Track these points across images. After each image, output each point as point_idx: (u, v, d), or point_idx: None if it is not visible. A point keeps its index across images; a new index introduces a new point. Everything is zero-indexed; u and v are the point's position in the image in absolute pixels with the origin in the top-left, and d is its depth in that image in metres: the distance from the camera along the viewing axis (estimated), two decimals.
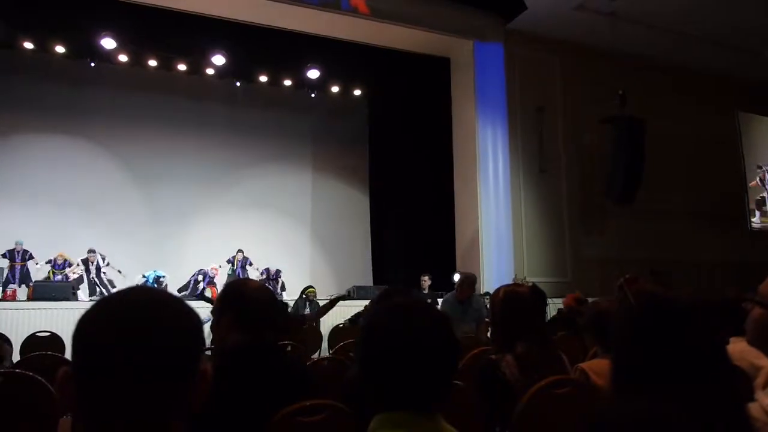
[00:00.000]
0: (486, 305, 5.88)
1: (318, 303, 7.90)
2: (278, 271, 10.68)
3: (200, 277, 9.98)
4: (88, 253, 9.51)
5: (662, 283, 6.24)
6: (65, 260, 9.43)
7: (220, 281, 9.92)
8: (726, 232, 10.93)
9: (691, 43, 10.00)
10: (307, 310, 8.14)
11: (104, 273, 9.59)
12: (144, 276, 9.68)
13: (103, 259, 9.65)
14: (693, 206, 10.77)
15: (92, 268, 9.47)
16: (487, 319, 6.17)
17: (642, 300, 1.15)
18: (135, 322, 0.80)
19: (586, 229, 10.10)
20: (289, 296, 9.48)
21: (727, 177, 11.34)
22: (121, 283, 9.61)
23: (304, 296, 8.22)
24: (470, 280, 5.65)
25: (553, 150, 10.00)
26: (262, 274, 10.53)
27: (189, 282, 9.97)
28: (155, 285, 9.66)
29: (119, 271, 9.70)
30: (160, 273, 9.77)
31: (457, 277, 8.02)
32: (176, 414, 0.82)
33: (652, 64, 10.54)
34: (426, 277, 8.47)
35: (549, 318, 5.97)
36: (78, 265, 9.44)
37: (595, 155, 10.23)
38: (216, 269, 10.13)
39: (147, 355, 0.79)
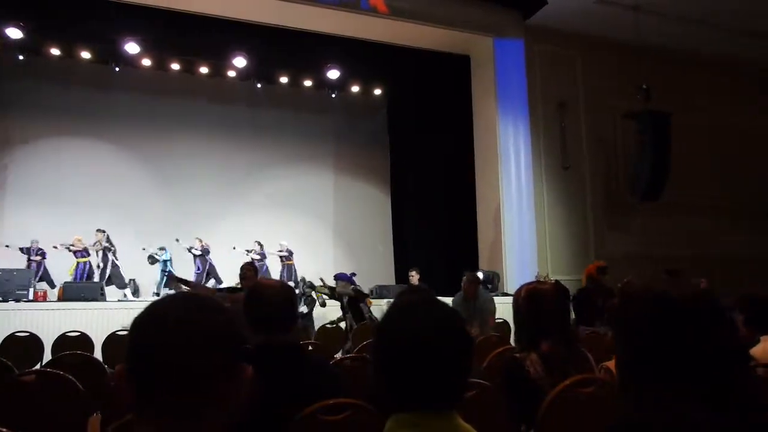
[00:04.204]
0: (493, 300, 6.02)
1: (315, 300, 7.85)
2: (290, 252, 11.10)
3: None
4: (96, 233, 9.69)
5: (672, 274, 6.12)
6: (84, 248, 9.65)
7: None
8: (756, 228, 10.68)
9: (716, 34, 9.79)
10: (303, 308, 8.14)
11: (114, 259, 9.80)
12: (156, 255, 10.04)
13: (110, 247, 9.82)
14: (721, 201, 10.56)
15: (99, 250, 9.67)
16: (501, 319, 6.20)
17: (639, 296, 1.08)
18: (181, 325, 0.88)
19: (610, 226, 9.97)
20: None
21: (757, 170, 11.08)
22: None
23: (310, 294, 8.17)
24: (473, 278, 5.82)
25: (575, 146, 9.89)
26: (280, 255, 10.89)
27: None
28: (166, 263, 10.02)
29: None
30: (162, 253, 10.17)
31: (480, 275, 8.02)
32: (221, 410, 0.89)
33: (676, 57, 10.35)
34: (413, 272, 8.34)
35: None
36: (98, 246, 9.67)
37: (620, 151, 10.09)
38: None
39: (192, 357, 0.86)
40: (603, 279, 6.05)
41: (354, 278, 7.13)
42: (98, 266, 9.61)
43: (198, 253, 10.46)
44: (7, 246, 9.19)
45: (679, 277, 6.26)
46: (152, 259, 10.14)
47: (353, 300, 6.61)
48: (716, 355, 0.97)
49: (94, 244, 9.65)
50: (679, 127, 9.32)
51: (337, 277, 6.99)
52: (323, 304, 7.86)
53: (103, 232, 9.74)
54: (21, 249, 9.41)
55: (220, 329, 0.90)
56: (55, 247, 9.48)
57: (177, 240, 10.51)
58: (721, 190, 10.62)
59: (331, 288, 6.93)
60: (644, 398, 0.96)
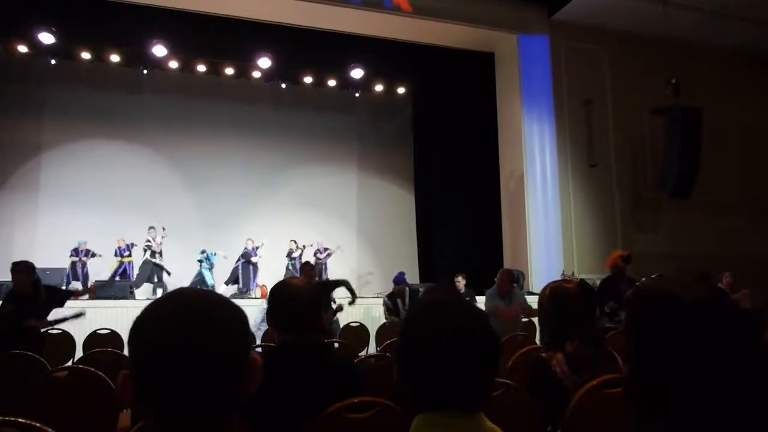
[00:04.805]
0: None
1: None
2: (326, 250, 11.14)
3: None
4: (148, 230, 10.10)
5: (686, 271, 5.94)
6: (127, 244, 9.97)
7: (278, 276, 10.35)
8: None
9: (747, 26, 9.54)
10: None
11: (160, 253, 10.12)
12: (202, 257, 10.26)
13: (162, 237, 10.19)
14: (751, 199, 10.29)
15: (154, 245, 9.97)
16: (527, 318, 6.14)
17: (640, 296, 0.99)
18: (186, 324, 0.83)
19: (638, 224, 9.80)
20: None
21: None
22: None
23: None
24: (508, 273, 5.73)
25: (602, 144, 9.74)
26: (315, 253, 10.97)
27: None
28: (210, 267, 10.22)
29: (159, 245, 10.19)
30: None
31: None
32: (230, 411, 0.85)
33: (706, 51, 10.12)
34: (460, 277, 8.24)
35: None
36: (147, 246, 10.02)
37: (647, 148, 9.91)
38: None
39: (196, 358, 0.81)
40: (627, 268, 5.94)
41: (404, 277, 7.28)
42: (146, 261, 9.91)
43: (255, 259, 10.56)
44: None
45: (709, 280, 5.94)
46: (201, 263, 10.37)
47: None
48: (733, 361, 0.87)
49: (147, 242, 9.95)
50: (711, 122, 9.11)
51: (397, 281, 7.08)
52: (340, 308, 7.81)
53: (154, 228, 10.03)
54: (71, 253, 9.68)
55: (224, 325, 0.85)
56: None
57: (225, 257, 10.61)
58: (751, 187, 10.35)
59: (391, 296, 7.01)
60: (654, 402, 0.92)
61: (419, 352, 1.13)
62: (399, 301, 6.88)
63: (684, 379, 0.87)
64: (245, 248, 10.60)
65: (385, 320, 7.04)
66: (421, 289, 7.18)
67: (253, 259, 10.53)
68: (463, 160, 10.76)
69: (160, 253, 10.12)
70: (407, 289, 6.95)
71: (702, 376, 0.86)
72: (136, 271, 9.95)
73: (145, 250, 10.03)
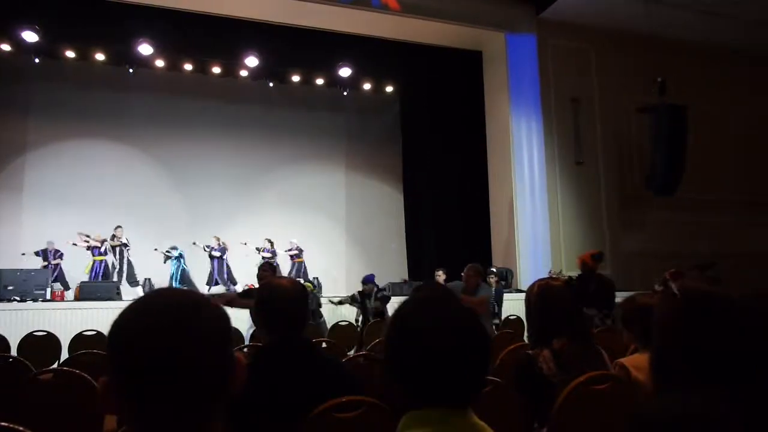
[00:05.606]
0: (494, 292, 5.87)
1: (318, 299, 7.75)
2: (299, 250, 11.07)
3: None
4: (115, 229, 9.93)
5: (709, 279, 5.97)
6: (103, 240, 9.85)
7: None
8: None
9: (732, 24, 9.64)
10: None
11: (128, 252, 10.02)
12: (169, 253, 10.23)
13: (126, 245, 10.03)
14: (740, 195, 10.39)
15: (117, 246, 9.87)
16: (515, 316, 6.12)
17: (687, 296, 1.11)
18: (166, 325, 0.81)
19: (625, 222, 9.86)
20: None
21: None
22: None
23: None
24: (475, 269, 5.63)
25: (589, 141, 9.80)
26: (288, 251, 10.90)
27: None
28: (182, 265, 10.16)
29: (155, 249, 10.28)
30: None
31: (493, 271, 7.98)
32: (215, 412, 0.84)
33: (693, 49, 10.20)
34: (440, 272, 8.26)
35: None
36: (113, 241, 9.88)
37: (634, 146, 9.98)
38: None
39: (181, 359, 0.79)
40: (597, 266, 5.95)
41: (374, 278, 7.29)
42: (113, 265, 9.76)
43: (217, 254, 10.55)
44: (23, 254, 9.38)
45: (710, 272, 6.03)
46: (165, 258, 10.30)
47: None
48: (763, 356, 1.00)
49: (112, 238, 9.82)
50: (698, 119, 9.19)
51: (366, 281, 7.10)
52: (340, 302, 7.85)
53: (121, 227, 9.93)
54: (37, 252, 9.55)
55: (206, 326, 0.83)
56: (74, 244, 9.64)
57: (194, 243, 10.61)
58: (740, 184, 10.46)
59: (361, 293, 7.04)
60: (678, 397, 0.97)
61: (408, 350, 1.12)
62: (366, 300, 6.94)
63: (711, 360, 1.01)
64: (209, 245, 10.61)
65: (355, 319, 7.10)
66: (388, 294, 7.23)
67: (215, 253, 10.57)
68: (451, 157, 10.78)
69: (128, 267, 9.95)
70: (375, 288, 7.01)
71: (723, 359, 1.00)
72: (113, 271, 9.79)
73: (115, 248, 9.93)
